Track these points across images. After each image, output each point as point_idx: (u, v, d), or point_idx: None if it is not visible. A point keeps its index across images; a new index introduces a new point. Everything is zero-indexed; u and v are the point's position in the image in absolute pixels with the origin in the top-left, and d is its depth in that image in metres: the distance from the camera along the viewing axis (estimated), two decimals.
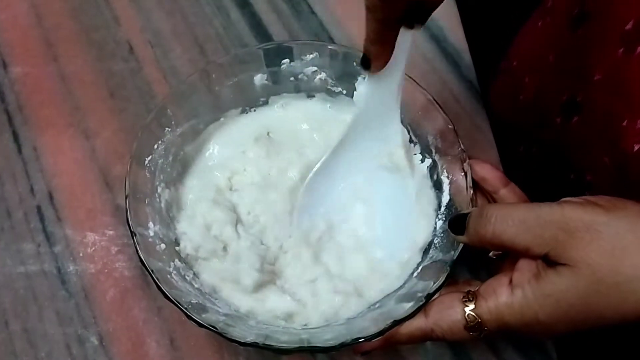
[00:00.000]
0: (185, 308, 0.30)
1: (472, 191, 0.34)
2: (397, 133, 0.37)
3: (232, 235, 0.36)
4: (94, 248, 0.40)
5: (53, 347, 0.37)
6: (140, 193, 0.35)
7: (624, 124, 0.34)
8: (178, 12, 0.50)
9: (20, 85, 0.46)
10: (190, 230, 0.36)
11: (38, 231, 0.41)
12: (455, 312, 0.30)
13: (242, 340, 0.29)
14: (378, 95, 0.34)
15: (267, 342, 0.30)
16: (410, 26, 0.30)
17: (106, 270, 0.40)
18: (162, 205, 0.36)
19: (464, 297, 0.30)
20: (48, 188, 0.42)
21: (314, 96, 0.41)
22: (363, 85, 0.34)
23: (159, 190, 0.36)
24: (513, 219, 0.28)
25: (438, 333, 0.30)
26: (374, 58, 0.31)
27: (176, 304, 0.30)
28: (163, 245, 0.34)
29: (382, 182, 0.38)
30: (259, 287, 0.35)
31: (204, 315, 0.31)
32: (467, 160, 0.35)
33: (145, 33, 0.49)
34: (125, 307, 0.38)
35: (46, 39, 0.48)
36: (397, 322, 0.30)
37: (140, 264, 0.39)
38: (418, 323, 0.30)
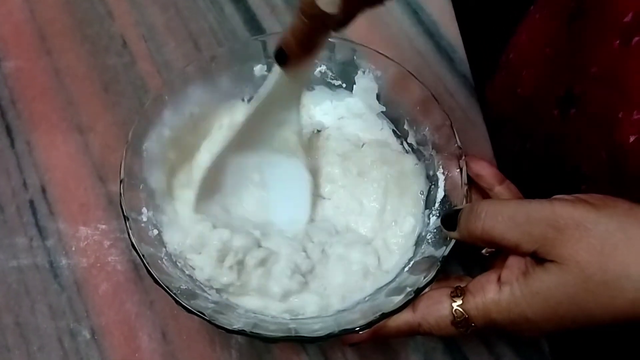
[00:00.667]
0: (174, 294, 0.30)
1: (466, 187, 0.34)
2: (294, 120, 0.36)
3: (254, 263, 0.35)
4: (86, 242, 0.40)
5: (45, 341, 0.37)
6: (135, 179, 0.35)
7: (620, 115, 0.34)
8: (172, 6, 0.49)
9: (13, 80, 0.46)
10: (199, 260, 0.34)
11: (31, 225, 0.41)
12: (443, 307, 0.29)
13: (229, 328, 0.30)
14: (285, 85, 0.33)
15: (255, 330, 0.30)
16: (334, 29, 0.29)
17: (98, 264, 0.40)
18: (157, 192, 0.36)
19: (452, 292, 0.30)
20: (41, 182, 0.42)
21: (313, 89, 0.41)
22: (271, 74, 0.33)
23: (155, 177, 0.36)
24: (503, 215, 0.28)
25: (425, 327, 0.30)
26: (294, 57, 0.30)
27: (165, 289, 0.30)
28: (155, 231, 0.34)
29: (276, 165, 0.38)
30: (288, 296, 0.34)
31: (192, 302, 0.31)
32: (463, 157, 0.34)
33: (139, 27, 0.48)
34: (117, 300, 0.39)
35: (40, 33, 0.48)
36: (385, 315, 0.30)
37: (132, 256, 0.39)
38: (406, 317, 0.30)
